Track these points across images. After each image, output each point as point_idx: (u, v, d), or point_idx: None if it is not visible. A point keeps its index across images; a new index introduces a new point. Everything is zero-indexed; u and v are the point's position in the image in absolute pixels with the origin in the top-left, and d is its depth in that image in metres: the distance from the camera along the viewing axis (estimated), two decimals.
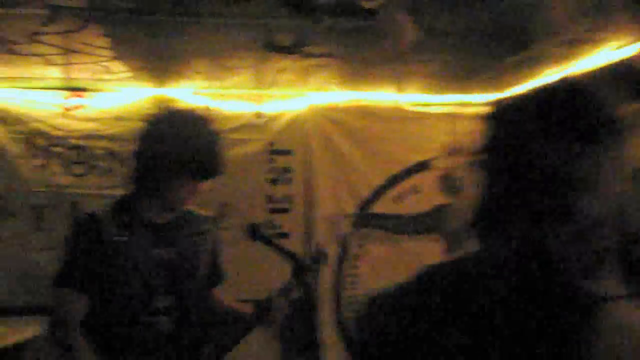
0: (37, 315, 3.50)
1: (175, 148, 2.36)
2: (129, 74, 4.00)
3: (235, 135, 4.36)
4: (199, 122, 2.49)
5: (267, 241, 2.60)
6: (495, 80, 4.35)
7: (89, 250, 2.39)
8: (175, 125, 2.43)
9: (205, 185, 2.49)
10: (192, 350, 2.55)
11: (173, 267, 2.50)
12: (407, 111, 4.66)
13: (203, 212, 2.66)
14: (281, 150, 4.48)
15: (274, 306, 2.59)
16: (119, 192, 4.16)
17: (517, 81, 4.35)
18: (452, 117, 4.69)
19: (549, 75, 3.97)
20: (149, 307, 2.43)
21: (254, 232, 2.58)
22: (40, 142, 4.22)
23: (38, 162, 4.21)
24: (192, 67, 3.88)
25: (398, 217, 4.63)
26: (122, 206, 2.48)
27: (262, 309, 2.61)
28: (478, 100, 4.72)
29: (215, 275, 2.72)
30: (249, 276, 4.16)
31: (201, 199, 2.55)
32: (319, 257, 2.74)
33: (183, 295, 2.51)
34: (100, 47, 3.45)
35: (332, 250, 4.52)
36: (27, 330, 3.00)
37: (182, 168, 2.39)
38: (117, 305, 2.40)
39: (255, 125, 4.45)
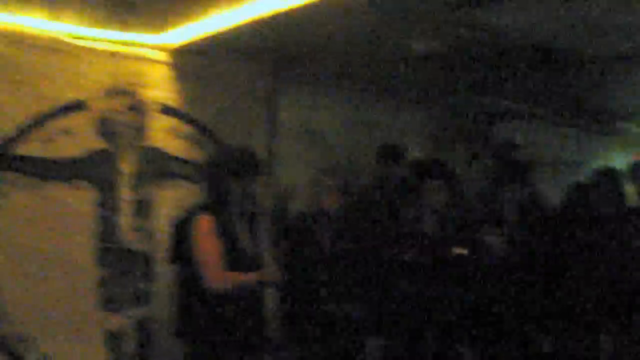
0: None
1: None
2: None
3: None
4: None
5: None
6: (158, 20, 4.09)
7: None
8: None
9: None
10: None
11: None
12: (63, 43, 4.15)
13: None
14: None
15: None
16: None
17: (178, 22, 4.13)
18: (113, 56, 4.33)
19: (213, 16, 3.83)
20: None
21: None
22: None
23: None
24: None
25: (46, 160, 4.10)
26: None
27: None
28: (141, 41, 4.43)
29: None
30: None
31: None
32: None
33: None
34: None
35: None
36: None
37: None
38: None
39: None
